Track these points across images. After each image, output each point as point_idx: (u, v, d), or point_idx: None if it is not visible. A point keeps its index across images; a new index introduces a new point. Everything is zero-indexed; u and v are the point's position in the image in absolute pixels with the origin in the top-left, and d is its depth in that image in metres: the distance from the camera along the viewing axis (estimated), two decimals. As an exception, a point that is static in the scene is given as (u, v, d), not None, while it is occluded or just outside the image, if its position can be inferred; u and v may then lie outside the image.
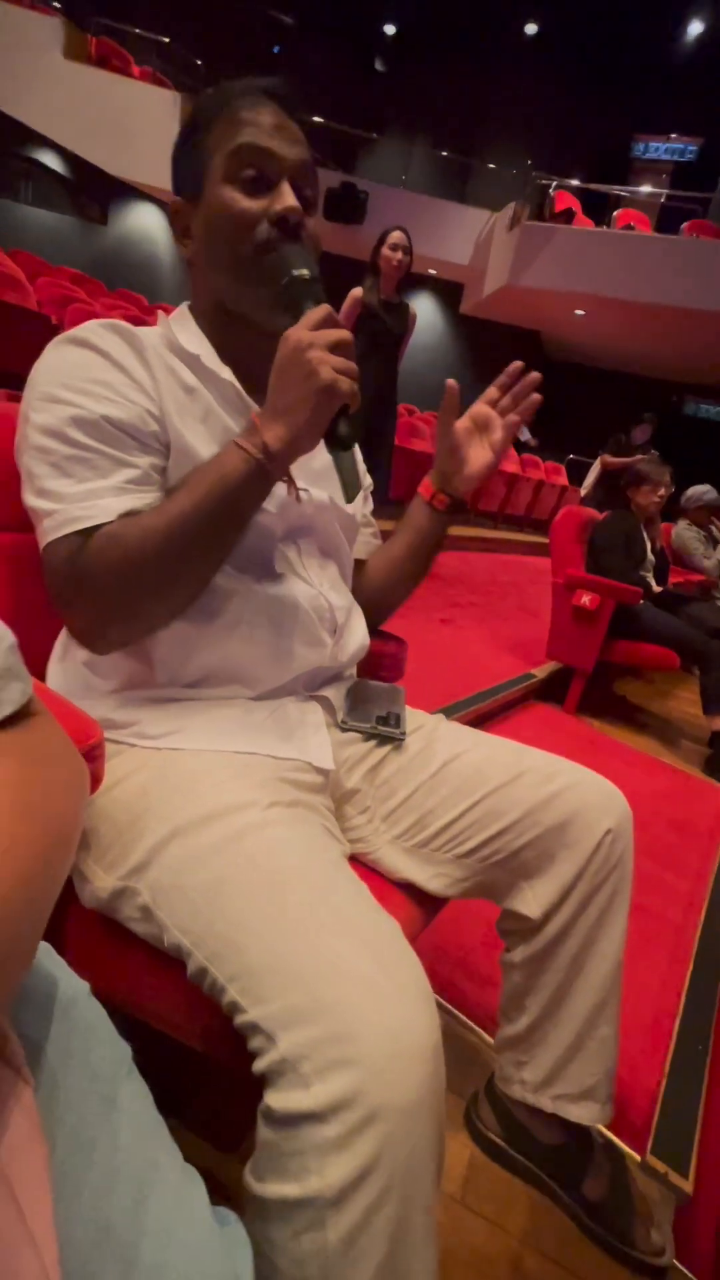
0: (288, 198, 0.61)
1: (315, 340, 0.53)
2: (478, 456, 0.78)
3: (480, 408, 0.79)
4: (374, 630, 0.87)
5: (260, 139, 0.61)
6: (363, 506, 0.87)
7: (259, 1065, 0.42)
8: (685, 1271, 0.76)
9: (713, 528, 3.95)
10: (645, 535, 2.78)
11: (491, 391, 0.78)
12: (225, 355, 0.66)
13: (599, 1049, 0.72)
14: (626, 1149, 0.88)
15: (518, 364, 0.77)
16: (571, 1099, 0.73)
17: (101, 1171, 0.33)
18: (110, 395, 0.58)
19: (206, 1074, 0.82)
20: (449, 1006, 1.04)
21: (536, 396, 0.76)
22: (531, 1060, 0.74)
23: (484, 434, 0.78)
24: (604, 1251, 0.76)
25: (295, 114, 0.64)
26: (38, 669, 0.70)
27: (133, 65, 9.31)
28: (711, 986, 1.24)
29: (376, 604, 0.86)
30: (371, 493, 0.90)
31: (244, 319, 0.64)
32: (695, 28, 10.53)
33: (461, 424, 0.78)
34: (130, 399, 0.58)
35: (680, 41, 10.68)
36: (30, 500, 0.57)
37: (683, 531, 3.88)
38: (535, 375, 0.76)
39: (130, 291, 7.12)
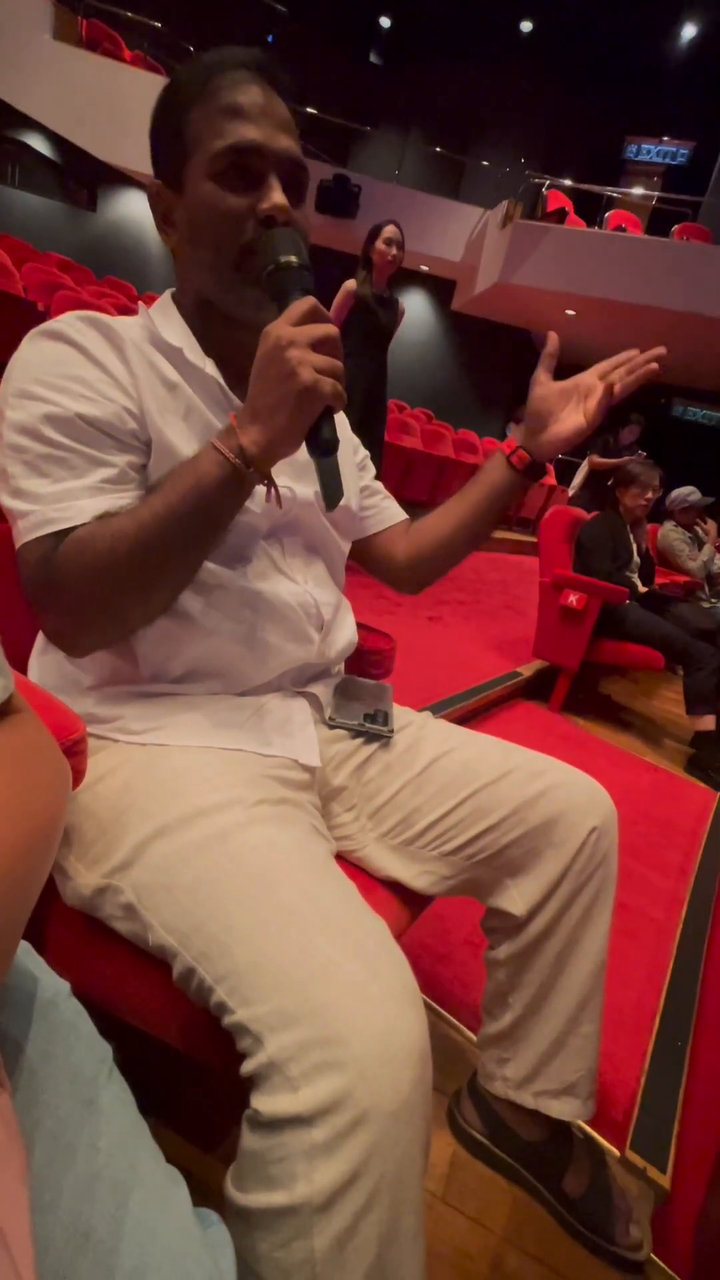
0: (275, 195, 0.58)
1: (297, 337, 0.50)
2: (569, 419, 0.73)
3: (587, 375, 0.74)
4: (427, 583, 0.86)
5: (247, 132, 0.57)
6: (361, 478, 0.85)
7: (246, 1067, 0.42)
8: (663, 1266, 0.77)
9: (698, 529, 3.99)
10: (631, 536, 2.80)
11: (604, 365, 0.73)
12: (209, 347, 0.64)
13: (581, 1046, 0.72)
14: (606, 1145, 0.89)
15: (632, 351, 0.72)
16: (553, 1095, 0.73)
17: (81, 1175, 0.32)
18: (86, 392, 0.56)
19: (189, 1072, 0.81)
20: (432, 1004, 1.05)
21: (654, 367, 0.71)
22: (514, 1057, 0.75)
23: (581, 400, 0.73)
24: (584, 1247, 0.76)
25: (281, 89, 0.60)
26: (19, 661, 0.68)
27: (124, 49, 9.17)
28: (691, 984, 1.26)
29: (430, 561, 0.84)
30: (369, 468, 0.88)
31: (229, 315, 0.62)
32: (689, 31, 10.58)
33: (562, 385, 0.74)
34: (107, 396, 0.57)
35: (674, 44, 10.73)
36: (5, 500, 0.55)
37: (668, 533, 3.92)
38: (659, 350, 0.70)
39: (119, 279, 7.03)
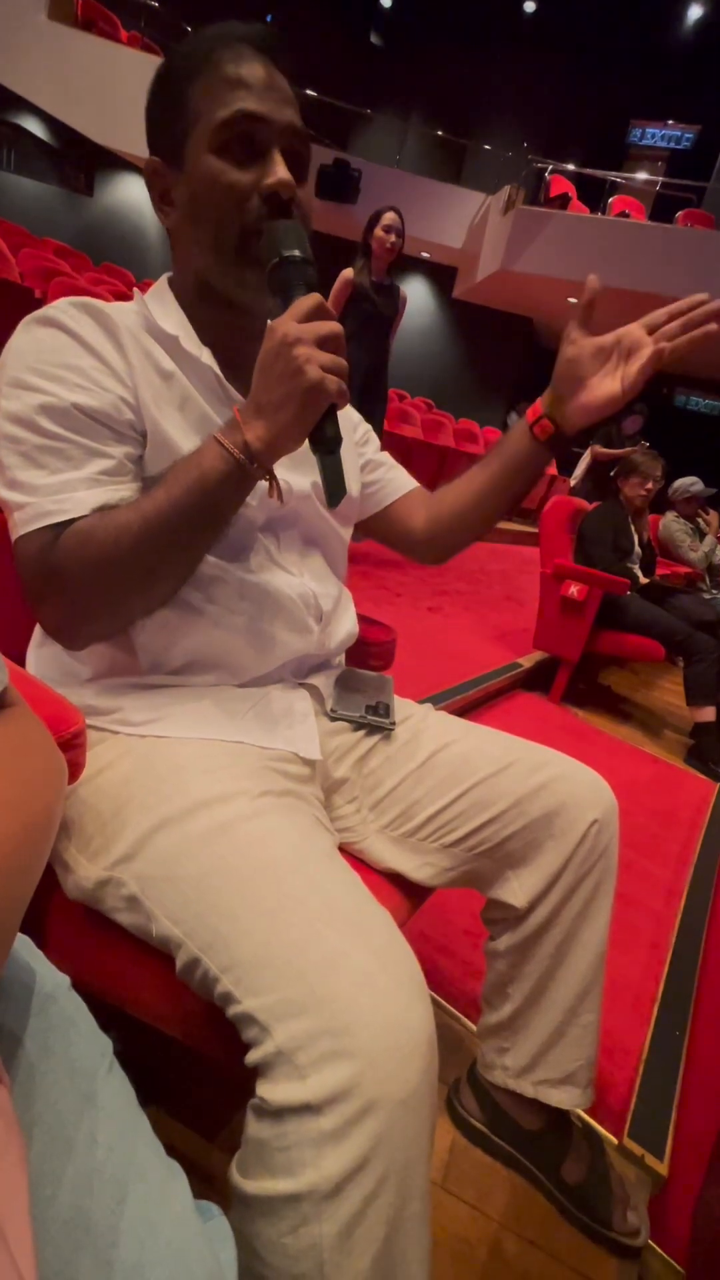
0: (280, 170, 0.56)
1: (303, 334, 0.50)
2: (601, 385, 0.65)
3: (633, 328, 0.64)
4: (449, 555, 0.82)
5: (249, 103, 0.56)
6: (363, 455, 0.83)
7: (253, 1057, 0.42)
8: (660, 1252, 0.78)
9: (700, 520, 3.97)
10: (633, 527, 2.79)
11: (659, 314, 0.63)
12: (205, 335, 0.62)
13: (581, 1035, 0.73)
14: (605, 1132, 0.90)
15: (701, 296, 0.62)
16: (553, 1084, 0.74)
17: (81, 1169, 0.32)
18: (82, 382, 0.55)
19: (190, 1063, 0.82)
20: (432, 994, 1.05)
21: (714, 327, 0.61)
22: (514, 1047, 0.75)
23: (621, 361, 0.65)
24: (582, 1233, 0.77)
25: (282, 66, 0.59)
26: (16, 655, 0.68)
27: (120, 29, 9.01)
28: (689, 974, 1.26)
29: (449, 533, 0.80)
30: (372, 440, 0.86)
31: (228, 299, 0.61)
32: (695, 13, 10.40)
33: (599, 340, 0.64)
34: (103, 386, 0.56)
35: (679, 27, 10.55)
36: (1, 491, 0.54)
37: (670, 524, 3.90)
38: (718, 304, 0.61)
39: (116, 266, 6.96)
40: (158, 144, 0.60)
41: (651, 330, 0.64)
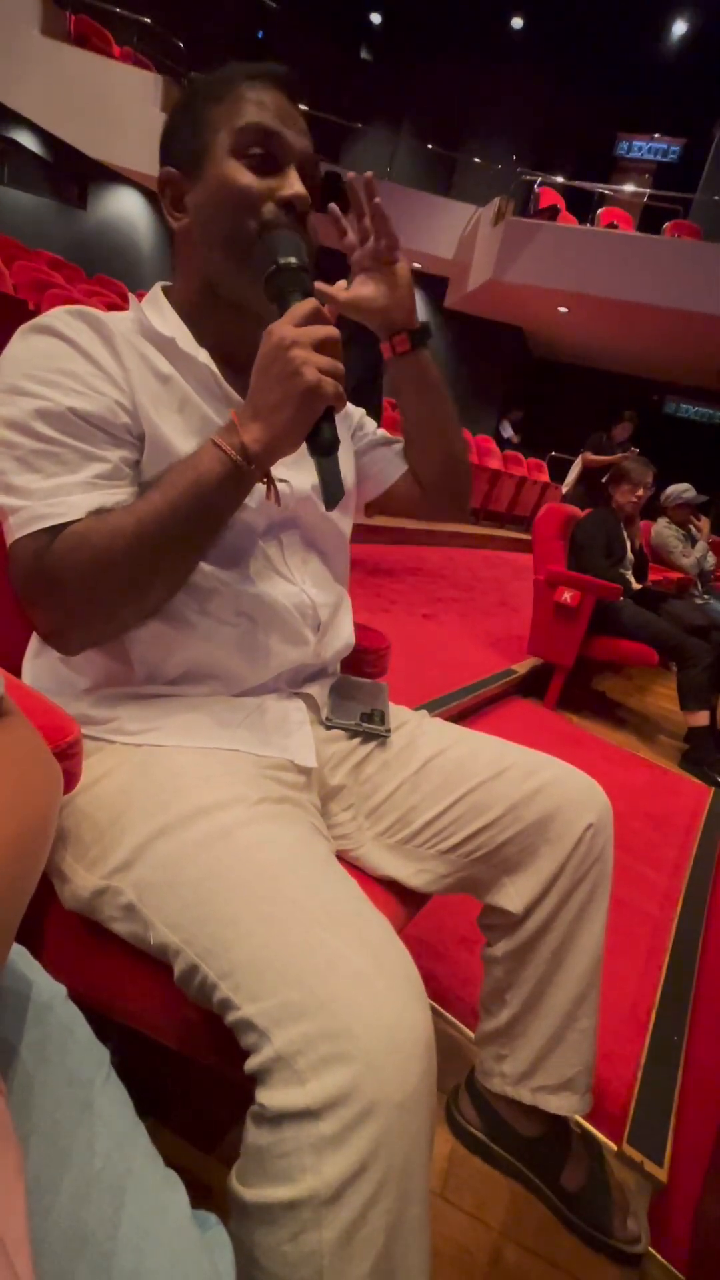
0: (296, 184, 0.59)
1: (300, 338, 0.51)
2: (384, 278, 0.74)
3: (356, 256, 0.75)
4: (452, 493, 0.84)
5: (269, 120, 0.59)
6: (357, 441, 0.84)
7: (251, 1063, 0.42)
8: (660, 1259, 0.78)
9: (692, 526, 4.01)
10: (625, 533, 2.81)
11: (350, 239, 0.74)
12: (204, 338, 0.63)
13: (579, 1041, 0.73)
14: (604, 1139, 0.89)
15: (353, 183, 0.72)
16: (551, 1090, 0.74)
17: (78, 1179, 0.32)
18: (77, 386, 0.55)
19: (187, 1073, 0.81)
20: (430, 1002, 1.05)
21: (376, 200, 0.71)
22: (512, 1053, 0.75)
23: (380, 269, 0.74)
24: (582, 1241, 0.77)
25: (299, 105, 0.62)
26: (13, 664, 0.68)
27: (113, 45, 9.10)
28: (687, 979, 1.26)
29: (428, 474, 0.82)
30: (368, 423, 0.87)
31: (231, 300, 0.62)
32: (680, 28, 10.60)
33: (369, 282, 0.75)
34: (98, 390, 0.56)
35: (665, 41, 10.74)
36: None
37: (662, 530, 3.93)
38: (367, 175, 0.71)
39: (109, 278, 6.99)
40: (174, 157, 0.63)
41: (356, 247, 0.75)
